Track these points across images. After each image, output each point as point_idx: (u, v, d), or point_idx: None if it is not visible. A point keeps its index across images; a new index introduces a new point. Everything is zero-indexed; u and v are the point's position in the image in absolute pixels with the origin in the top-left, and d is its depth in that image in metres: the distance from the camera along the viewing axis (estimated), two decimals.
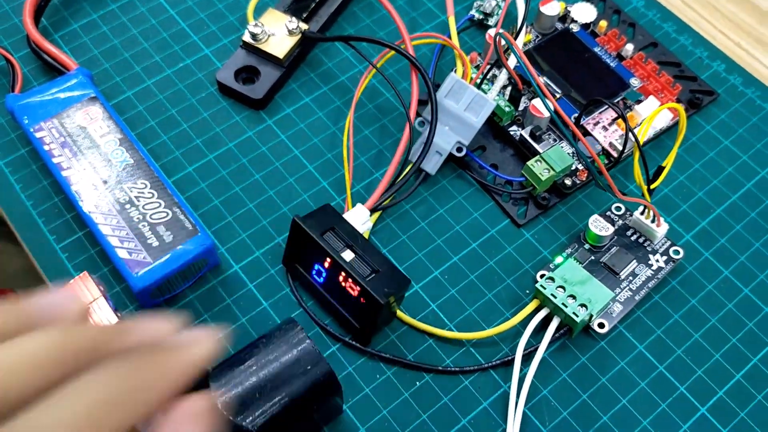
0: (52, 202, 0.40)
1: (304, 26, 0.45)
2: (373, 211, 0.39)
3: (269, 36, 0.44)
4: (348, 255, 0.36)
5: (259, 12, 0.46)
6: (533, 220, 0.41)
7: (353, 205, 0.39)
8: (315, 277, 0.38)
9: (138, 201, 0.38)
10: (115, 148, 0.39)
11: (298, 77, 0.46)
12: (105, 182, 0.38)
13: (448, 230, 0.41)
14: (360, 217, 0.38)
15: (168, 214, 0.37)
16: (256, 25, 0.44)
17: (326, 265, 0.36)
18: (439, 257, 0.40)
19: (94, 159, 0.39)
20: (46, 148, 0.39)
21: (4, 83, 0.44)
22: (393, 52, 0.42)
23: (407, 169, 0.40)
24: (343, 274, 0.36)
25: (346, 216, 0.38)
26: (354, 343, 0.37)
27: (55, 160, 0.39)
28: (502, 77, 0.42)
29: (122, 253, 0.36)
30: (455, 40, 0.42)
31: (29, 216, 0.40)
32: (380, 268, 0.35)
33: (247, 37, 0.44)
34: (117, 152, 0.39)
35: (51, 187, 0.41)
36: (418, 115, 0.41)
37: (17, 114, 0.40)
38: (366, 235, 0.38)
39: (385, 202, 0.40)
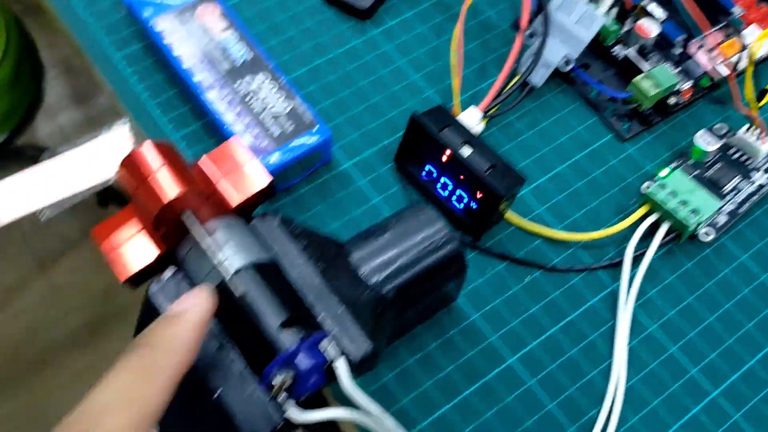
0: (169, 95, 0.41)
1: None
2: (482, 114, 0.40)
3: None
4: (466, 150, 0.37)
5: None
6: (637, 135, 0.42)
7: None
8: (427, 174, 0.38)
9: (259, 93, 0.38)
10: (234, 44, 0.40)
11: None
12: (226, 75, 0.39)
13: (553, 141, 0.41)
14: (474, 118, 0.39)
15: (288, 105, 0.38)
16: None
17: (443, 159, 0.37)
18: (545, 165, 0.41)
19: (215, 53, 0.39)
20: (166, 42, 0.40)
21: None
22: None
23: (514, 80, 0.41)
24: (460, 168, 0.36)
25: (459, 117, 0.39)
26: (464, 239, 0.38)
27: (175, 53, 0.39)
28: None
29: (247, 139, 0.37)
30: None
31: (146, 107, 0.41)
32: (496, 164, 0.36)
33: None
34: (236, 47, 0.40)
35: (167, 81, 0.42)
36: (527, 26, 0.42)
37: (136, 8, 0.41)
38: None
39: (491, 111, 0.40)
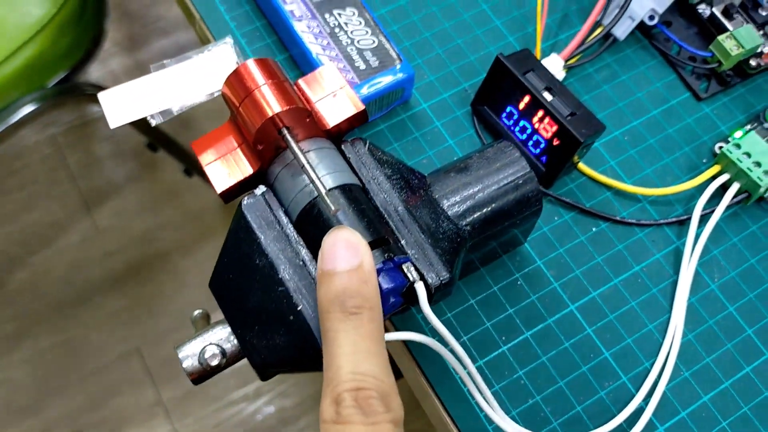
0: (254, 26, 0.42)
1: None
2: (565, 61, 0.40)
3: None
4: (548, 95, 0.37)
5: None
6: (714, 95, 0.42)
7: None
8: (504, 119, 0.39)
9: (347, 27, 0.39)
10: None
11: None
12: (317, 6, 0.40)
13: (629, 96, 0.42)
14: (555, 65, 0.39)
15: (374, 41, 0.39)
16: None
17: (523, 104, 0.38)
18: (620, 119, 0.41)
19: None
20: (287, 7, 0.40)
21: None
22: None
23: (597, 31, 0.41)
24: (541, 112, 0.37)
25: (543, 62, 0.39)
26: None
27: None
28: None
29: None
30: None
31: (236, 36, 0.42)
32: (577, 111, 0.37)
33: None
34: None
35: (254, 12, 0.43)
36: None
37: None
38: None
39: (570, 61, 0.41)
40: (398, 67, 0.38)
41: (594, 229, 0.38)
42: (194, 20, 0.43)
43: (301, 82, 0.31)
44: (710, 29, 0.43)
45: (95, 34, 0.81)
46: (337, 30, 0.39)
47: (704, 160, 0.40)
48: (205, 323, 0.31)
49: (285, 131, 0.28)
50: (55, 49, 0.76)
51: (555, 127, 0.37)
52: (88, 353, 1.00)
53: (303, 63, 0.40)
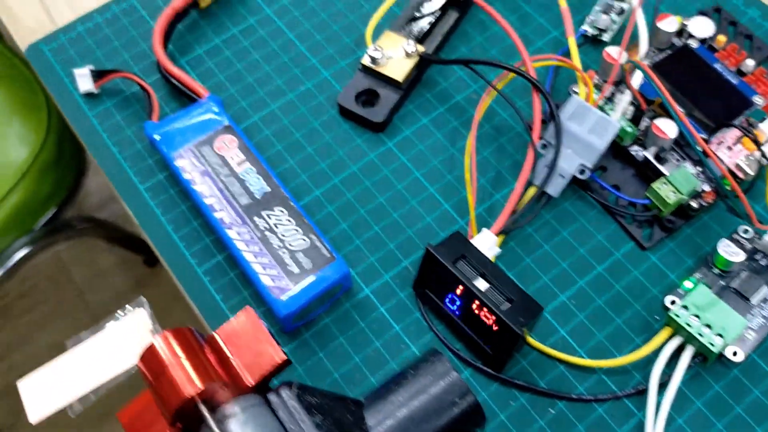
0: (191, 227, 0.42)
1: (421, 48, 0.45)
2: (497, 234, 0.39)
3: (388, 59, 0.45)
4: (481, 284, 0.37)
5: (374, 34, 0.46)
6: (659, 242, 0.41)
7: (478, 229, 0.40)
8: (447, 304, 0.38)
9: (277, 228, 0.39)
10: (252, 176, 0.41)
11: (414, 98, 0.46)
12: (245, 210, 0.40)
13: (572, 253, 0.41)
14: (487, 242, 0.39)
15: (306, 241, 0.39)
16: (375, 49, 0.45)
17: (458, 292, 0.37)
18: (565, 281, 0.40)
19: (233, 187, 0.40)
20: (186, 176, 0.41)
21: (137, 109, 0.46)
22: (513, 74, 0.42)
23: (530, 193, 0.41)
24: (476, 302, 0.36)
25: (474, 242, 0.39)
26: (486, 369, 0.38)
27: (196, 188, 0.40)
28: (626, 98, 0.41)
29: (266, 280, 0.38)
30: (577, 62, 0.42)
31: (170, 239, 0.42)
32: (513, 296, 0.36)
33: (366, 61, 0.45)
34: (254, 180, 0.40)
35: (190, 212, 0.43)
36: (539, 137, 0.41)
37: (158, 142, 0.42)
38: (492, 260, 0.39)
39: (506, 230, 0.40)
40: (332, 265, 0.38)
41: (552, 411, 0.37)
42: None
43: (217, 336, 0.31)
44: (646, 170, 0.42)
45: (77, 171, 0.83)
46: (268, 234, 0.39)
47: (656, 317, 0.39)
48: None
49: (201, 407, 0.28)
50: (39, 191, 0.79)
51: (493, 317, 0.36)
52: None
53: (237, 266, 0.40)
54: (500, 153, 0.44)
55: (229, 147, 0.42)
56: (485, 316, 0.36)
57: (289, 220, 0.39)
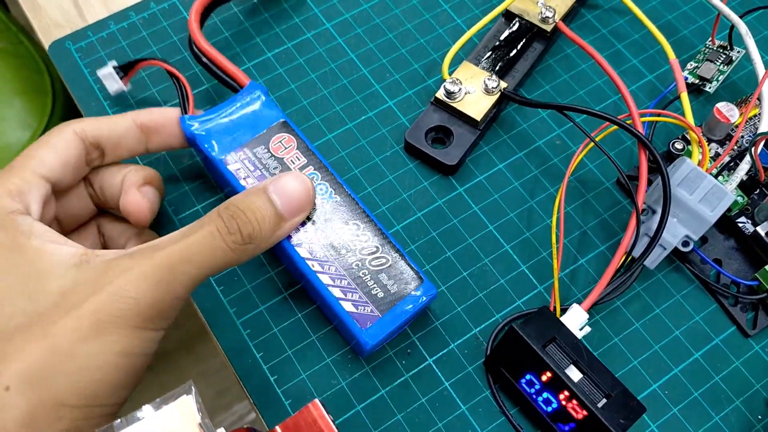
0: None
1: (504, 84, 0.40)
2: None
3: (465, 94, 0.40)
4: (575, 374, 0.32)
5: (450, 65, 0.41)
6: (764, 329, 0.36)
7: (561, 298, 0.35)
8: (525, 386, 0.34)
9: (354, 245, 0.34)
10: (318, 183, 0.35)
11: (490, 139, 0.41)
12: (314, 224, 0.34)
13: (667, 335, 0.36)
14: (577, 321, 0.34)
15: (387, 260, 0.33)
16: (453, 82, 0.40)
17: (545, 379, 0.32)
18: (658, 367, 0.35)
19: None
20: (242, 183, 0.35)
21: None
22: (614, 126, 0.37)
23: (625, 263, 0.36)
24: (566, 393, 0.32)
25: (564, 320, 0.34)
26: None
27: None
28: (743, 168, 0.36)
29: (347, 306, 0.32)
30: (691, 122, 0.37)
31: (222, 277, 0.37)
32: (611, 391, 0.31)
33: (441, 95, 0.40)
34: (320, 188, 0.35)
35: None
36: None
37: (200, 140, 0.35)
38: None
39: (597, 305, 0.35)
40: (419, 288, 0.33)
41: None
42: None
43: (279, 430, 0.26)
44: (754, 248, 0.37)
45: None
46: (344, 251, 0.33)
47: (759, 416, 0.34)
48: None
49: None
50: None
51: (585, 413, 0.31)
52: None
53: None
54: (586, 210, 0.39)
55: (286, 147, 0.35)
56: (574, 409, 0.32)
57: (365, 235, 0.34)
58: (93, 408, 0.26)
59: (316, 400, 0.26)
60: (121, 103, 0.42)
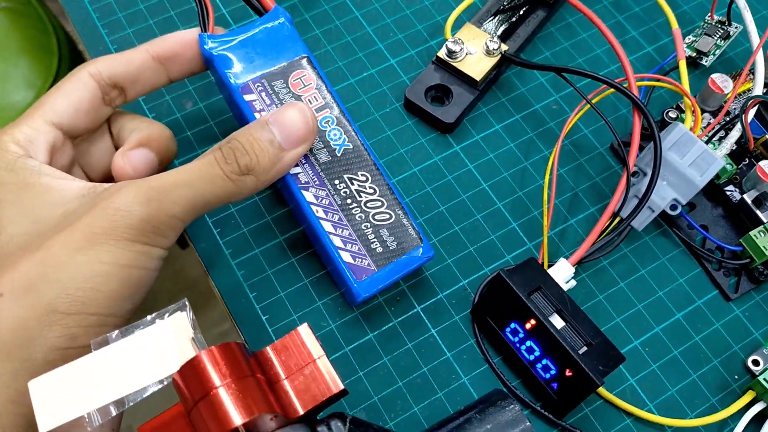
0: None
1: (505, 47, 0.41)
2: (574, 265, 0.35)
3: (466, 54, 0.41)
4: (558, 321, 0.33)
5: (453, 26, 0.42)
6: (745, 294, 0.37)
7: (549, 255, 0.36)
8: (508, 334, 0.34)
9: (360, 196, 0.34)
10: (332, 128, 0.34)
11: (488, 100, 0.42)
12: (325, 169, 0.34)
13: (650, 295, 0.37)
14: (563, 274, 0.35)
15: (391, 216, 0.34)
16: (455, 41, 0.40)
17: (528, 326, 0.33)
18: (640, 325, 0.36)
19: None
20: (256, 115, 0.34)
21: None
22: (611, 89, 0.38)
23: (613, 223, 0.37)
24: (549, 341, 0.32)
25: (550, 272, 0.35)
26: (546, 413, 0.34)
27: None
28: (734, 135, 0.37)
29: (346, 257, 0.33)
30: (687, 89, 0.38)
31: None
32: (593, 340, 0.32)
33: (443, 54, 0.41)
34: (335, 133, 0.34)
35: None
36: None
37: (217, 62, 0.34)
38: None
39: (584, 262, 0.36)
40: (417, 249, 0.34)
41: None
42: None
43: (270, 351, 0.26)
44: (740, 214, 0.38)
45: None
46: (350, 201, 0.33)
47: (736, 376, 0.35)
48: None
49: None
50: None
51: (567, 360, 0.32)
52: None
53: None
54: (578, 173, 0.40)
55: (306, 85, 0.35)
56: (557, 357, 0.32)
57: (372, 188, 0.34)
58: (87, 316, 0.27)
59: (306, 324, 0.27)
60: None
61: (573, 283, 0.35)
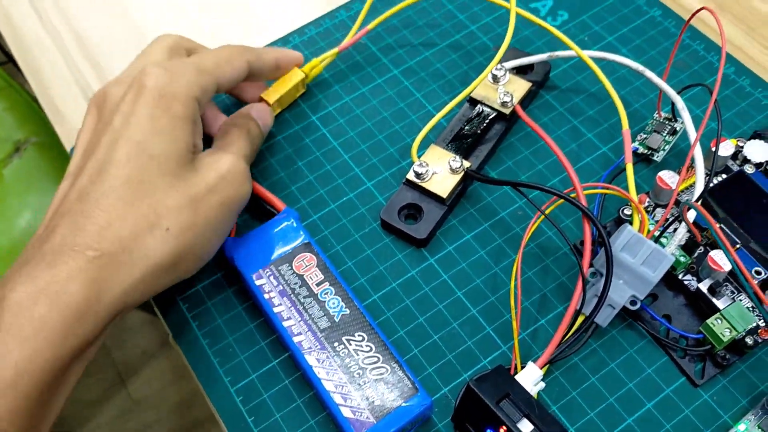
0: (258, 347, 0.42)
1: (467, 164, 0.45)
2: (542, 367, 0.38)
3: (433, 174, 0.45)
4: (526, 426, 0.35)
5: (420, 145, 0.46)
6: (712, 379, 0.39)
7: (521, 356, 0.39)
8: None
9: (357, 354, 0.38)
10: (331, 297, 0.40)
11: (458, 213, 0.46)
12: (324, 334, 0.39)
13: (621, 387, 0.39)
14: (532, 377, 0.37)
15: (387, 369, 0.38)
16: (420, 164, 0.44)
17: (501, 431, 0.36)
18: (613, 419, 0.39)
19: (312, 309, 0.39)
20: (266, 296, 0.40)
21: None
22: (562, 200, 0.41)
23: (578, 322, 0.39)
24: None
25: (519, 378, 0.37)
26: None
27: (275, 310, 0.40)
28: (681, 231, 0.40)
29: (346, 412, 0.36)
30: (633, 191, 0.41)
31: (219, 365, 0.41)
32: None
33: (411, 176, 0.45)
34: (333, 301, 0.40)
35: (257, 330, 0.42)
36: (590, 266, 0.40)
37: (237, 261, 0.41)
38: (535, 396, 0.38)
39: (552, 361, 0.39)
40: (414, 398, 0.37)
41: None
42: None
43: None
44: (699, 301, 0.41)
45: None
46: (348, 361, 0.38)
47: None
48: None
49: None
50: None
51: None
52: None
53: (303, 391, 0.39)
54: (546, 274, 0.43)
55: (307, 266, 0.41)
56: None
57: (369, 346, 0.38)
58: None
59: None
60: None
61: (542, 384, 0.38)
